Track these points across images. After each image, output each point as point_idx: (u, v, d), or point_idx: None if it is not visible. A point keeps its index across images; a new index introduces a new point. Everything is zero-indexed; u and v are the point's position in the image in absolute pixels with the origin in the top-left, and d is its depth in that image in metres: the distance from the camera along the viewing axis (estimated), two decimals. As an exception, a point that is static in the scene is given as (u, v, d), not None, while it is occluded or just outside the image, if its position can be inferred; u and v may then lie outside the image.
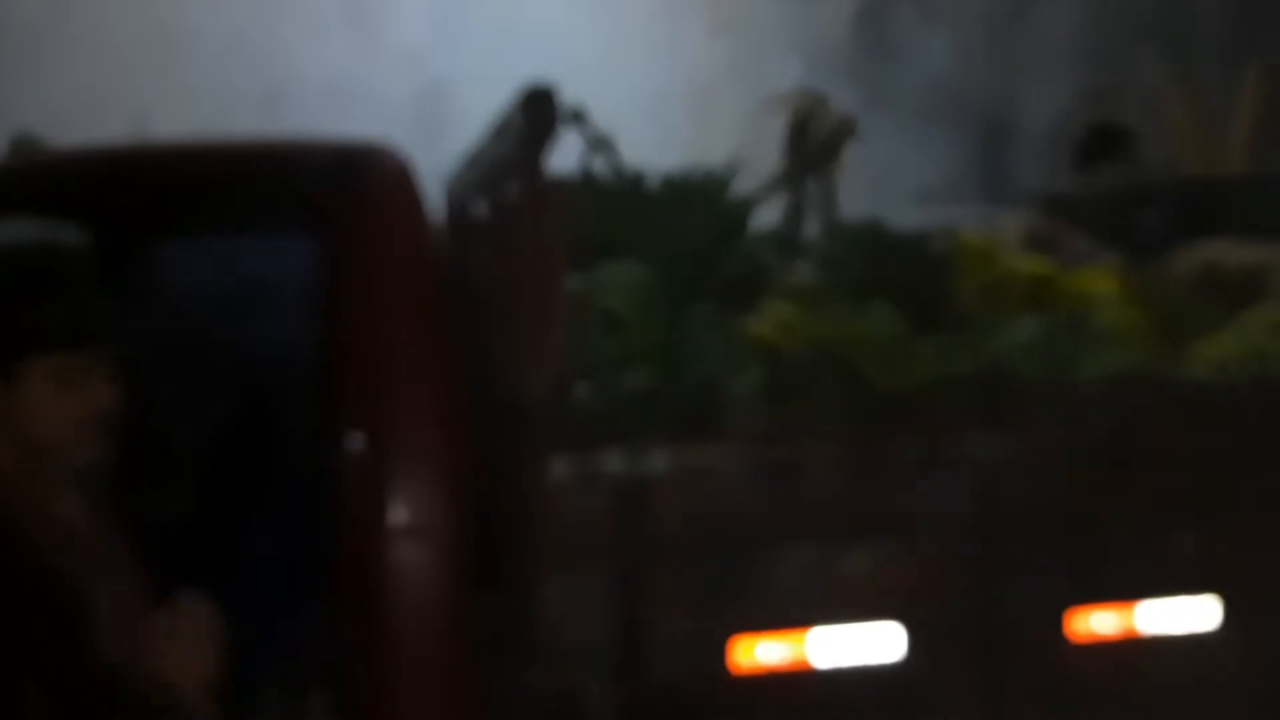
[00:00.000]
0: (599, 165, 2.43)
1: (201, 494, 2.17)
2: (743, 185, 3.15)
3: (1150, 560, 2.40)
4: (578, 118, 2.17)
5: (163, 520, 1.93)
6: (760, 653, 2.20)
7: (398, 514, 2.17)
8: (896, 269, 2.78)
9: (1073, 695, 2.32)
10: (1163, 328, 2.81)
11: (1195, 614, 2.42)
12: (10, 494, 1.62)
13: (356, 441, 2.18)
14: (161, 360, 1.85)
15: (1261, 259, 3.08)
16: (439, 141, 4.76)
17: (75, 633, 1.55)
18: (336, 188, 2.21)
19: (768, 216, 3.81)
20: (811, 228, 4.17)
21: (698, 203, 2.86)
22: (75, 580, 1.58)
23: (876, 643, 2.25)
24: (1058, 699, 2.30)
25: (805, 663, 2.20)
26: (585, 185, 2.49)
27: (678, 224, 2.70)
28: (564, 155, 2.20)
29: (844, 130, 5.40)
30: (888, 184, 5.32)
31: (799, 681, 2.20)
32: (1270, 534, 2.44)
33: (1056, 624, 2.35)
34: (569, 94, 2.13)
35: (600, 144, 2.28)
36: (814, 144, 5.52)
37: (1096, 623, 2.38)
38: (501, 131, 2.36)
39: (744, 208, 3.01)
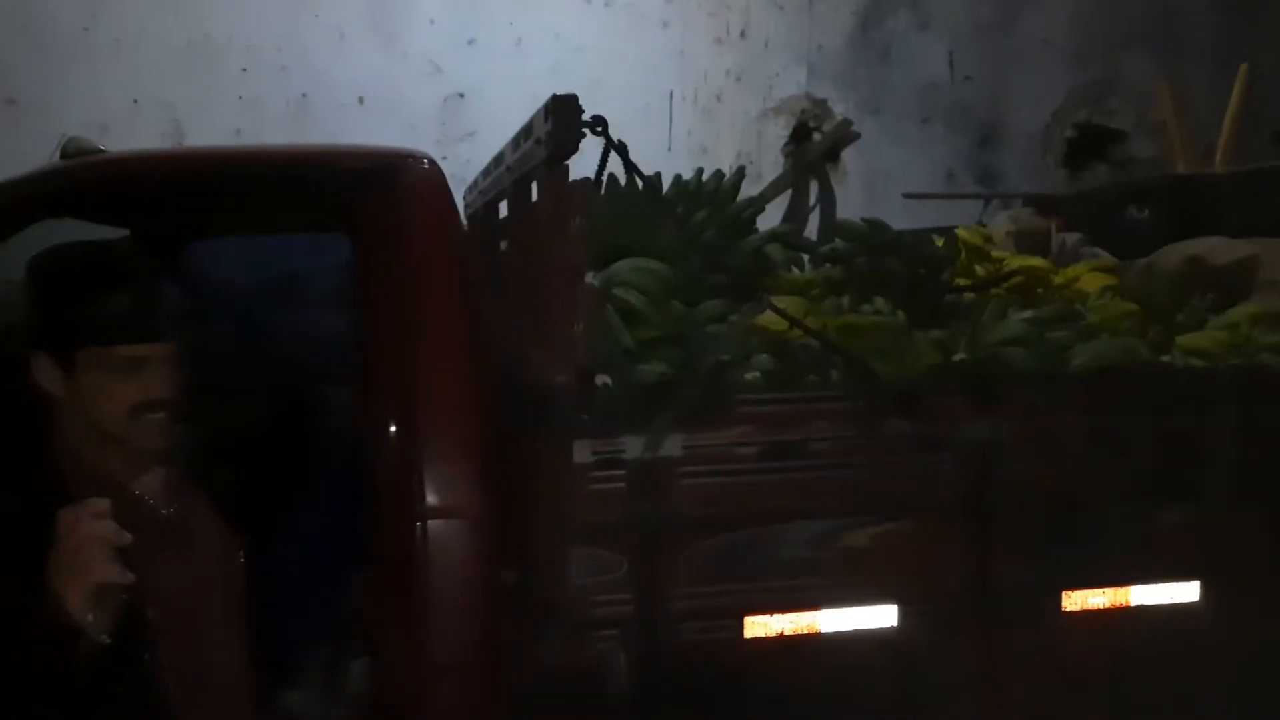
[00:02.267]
0: (616, 169, 2.50)
1: (251, 477, 2.23)
2: (749, 187, 3.25)
3: (1137, 542, 2.45)
4: (598, 124, 2.24)
5: (218, 501, 2.02)
6: (769, 624, 2.28)
7: (432, 495, 2.21)
8: (896, 265, 2.84)
9: (1065, 661, 2.39)
10: (1150, 321, 2.88)
11: (1177, 590, 2.49)
12: (89, 474, 1.70)
13: (393, 428, 2.23)
14: (214, 350, 1.94)
15: (1245, 254, 3.16)
16: (460, 147, 4.92)
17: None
18: (375, 191, 2.27)
19: (771, 217, 3.91)
20: (814, 226, 4.28)
21: (707, 203, 2.96)
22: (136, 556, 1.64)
23: (877, 614, 2.33)
24: (1050, 664, 2.38)
25: (814, 628, 2.30)
26: (604, 188, 2.55)
27: (689, 224, 2.79)
28: (581, 160, 2.25)
29: (844, 134, 5.52)
30: (886, 184, 5.42)
31: (806, 644, 2.29)
32: (1251, 514, 2.50)
33: (1051, 602, 2.42)
34: (583, 102, 2.18)
35: (617, 149, 2.35)
36: (815, 147, 5.64)
37: (1088, 600, 2.44)
38: (525, 137, 2.43)
39: (752, 208, 3.08)
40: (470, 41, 5.40)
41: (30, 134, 4.50)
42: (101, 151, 2.41)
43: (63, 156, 2.45)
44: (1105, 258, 3.42)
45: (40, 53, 4.97)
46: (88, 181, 2.30)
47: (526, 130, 2.42)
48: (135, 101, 5.02)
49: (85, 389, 1.70)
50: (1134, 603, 2.46)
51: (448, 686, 2.23)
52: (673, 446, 2.23)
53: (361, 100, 5.24)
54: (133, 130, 4.78)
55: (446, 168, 2.41)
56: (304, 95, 5.20)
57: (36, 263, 1.78)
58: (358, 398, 2.32)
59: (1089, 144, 5.74)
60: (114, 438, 1.73)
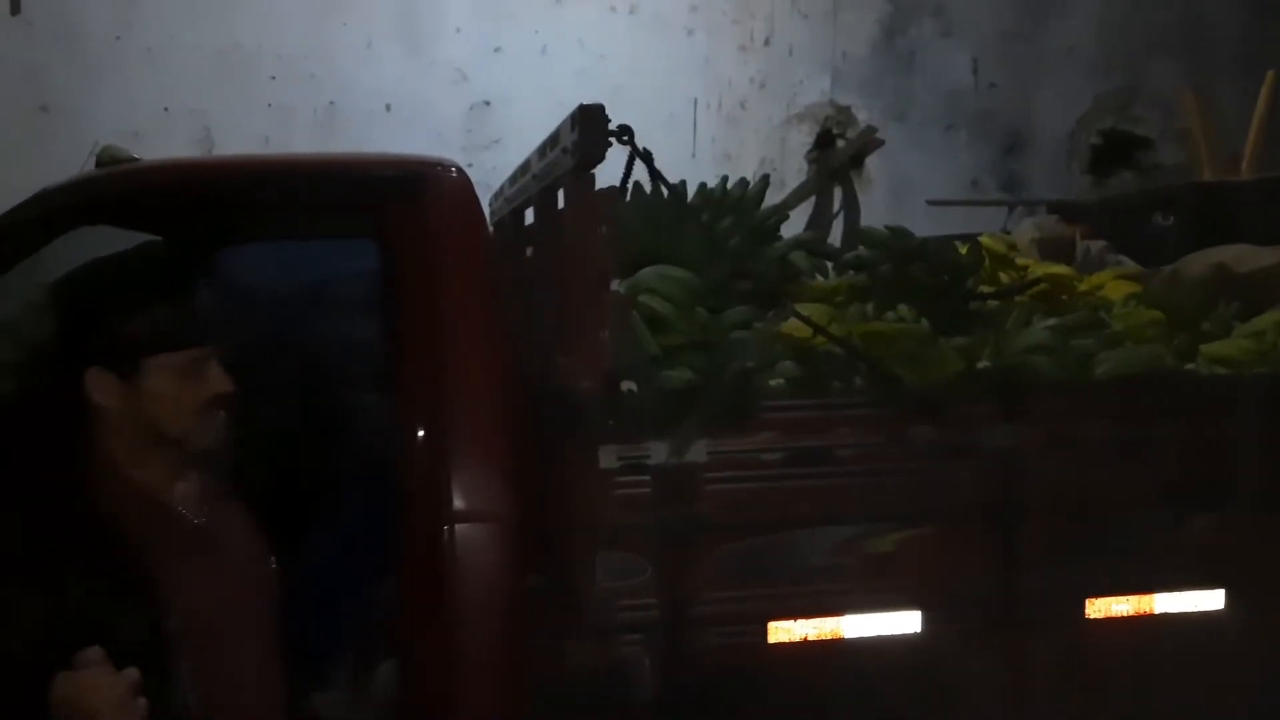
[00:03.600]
0: (642, 175, 2.52)
1: (283, 482, 2.26)
2: (773, 194, 3.25)
3: (1162, 550, 2.44)
4: (625, 134, 2.25)
5: (251, 507, 2.05)
6: (793, 629, 2.29)
7: (459, 500, 2.22)
8: (920, 272, 2.86)
9: (1088, 668, 2.38)
10: (1176, 329, 2.87)
11: (1202, 598, 2.47)
12: (122, 483, 1.75)
13: (421, 434, 2.24)
14: (245, 356, 1.97)
15: (1271, 262, 3.12)
16: (485, 154, 4.96)
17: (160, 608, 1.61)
18: (403, 198, 2.29)
19: (795, 224, 3.91)
20: (838, 233, 4.28)
21: (732, 211, 2.96)
22: (167, 560, 1.68)
23: (901, 620, 2.34)
24: (1074, 671, 2.38)
25: (837, 633, 2.30)
26: (629, 195, 2.57)
27: (714, 231, 2.80)
28: (606, 168, 2.27)
29: (868, 141, 5.52)
30: (910, 191, 5.42)
31: (830, 649, 2.29)
32: (1277, 521, 2.47)
33: (1075, 609, 2.41)
34: (607, 109, 2.20)
35: (643, 157, 2.37)
36: (839, 154, 5.64)
37: (1111, 608, 2.43)
38: (552, 146, 2.44)
39: (777, 216, 3.09)
40: (496, 49, 5.45)
41: (64, 141, 4.57)
42: (135, 159, 2.44)
43: (98, 164, 2.48)
44: (1130, 265, 3.41)
45: (73, 61, 5.05)
46: (122, 189, 2.33)
47: (553, 139, 2.44)
48: (166, 109, 5.09)
49: (149, 396, 1.74)
50: (1158, 610, 2.45)
51: (474, 689, 2.24)
52: (698, 452, 2.24)
53: (389, 108, 5.30)
54: (164, 138, 4.85)
55: (472, 175, 2.43)
56: (332, 103, 5.26)
57: (83, 279, 1.82)
58: (386, 403, 2.34)
59: (1115, 151, 5.72)
60: (170, 441, 1.78)
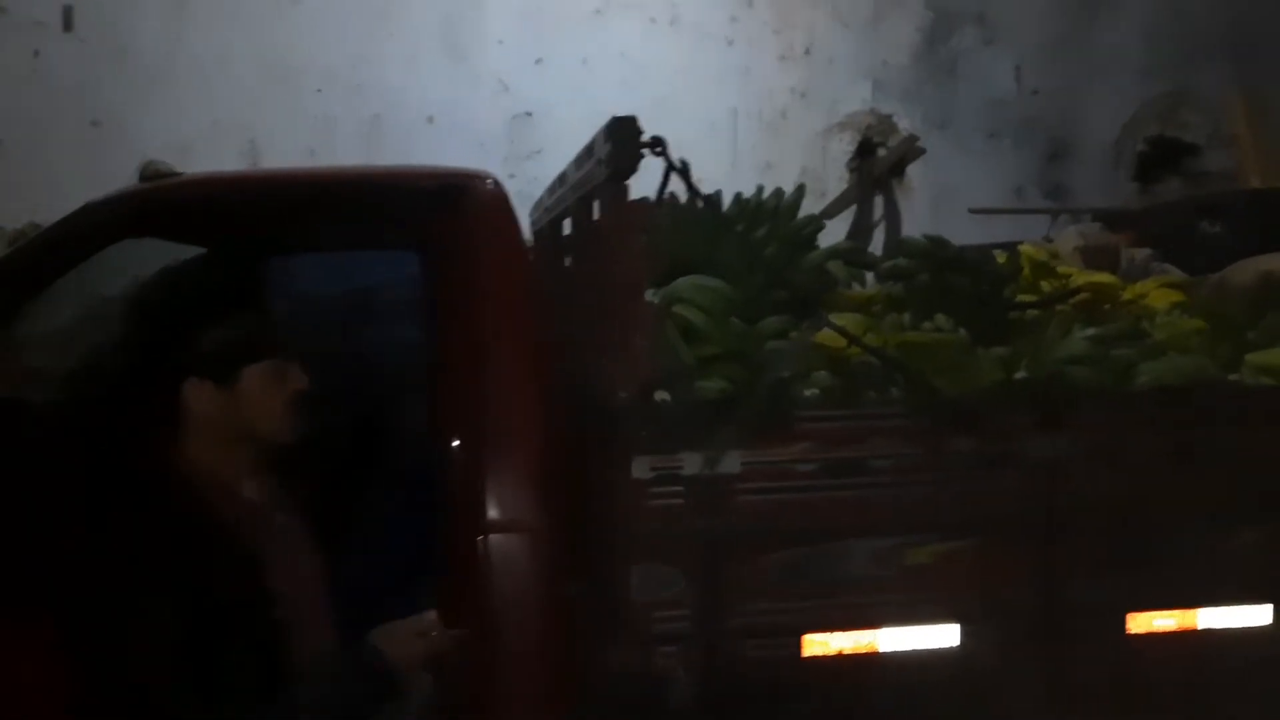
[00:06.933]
0: (677, 187, 2.52)
1: (323, 486, 2.29)
2: (814, 203, 3.24)
3: (1205, 564, 2.40)
4: (657, 145, 2.26)
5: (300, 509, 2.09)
6: (829, 642, 2.28)
7: (494, 510, 2.26)
8: (960, 282, 2.82)
9: (1129, 685, 2.35)
10: (1221, 338, 2.81)
11: (1248, 614, 2.44)
12: (205, 479, 1.89)
13: (458, 442, 2.28)
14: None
15: None
16: (527, 165, 5.00)
17: (257, 594, 1.79)
18: (441, 209, 2.33)
19: (836, 233, 3.90)
20: (880, 243, 4.27)
21: (768, 220, 2.95)
22: (253, 548, 1.84)
23: (938, 633, 2.31)
24: (1114, 687, 2.34)
25: (873, 647, 2.29)
26: (665, 206, 2.55)
27: (750, 241, 2.79)
28: (645, 178, 2.28)
29: (909, 150, 5.50)
30: (953, 200, 5.38)
31: (865, 663, 2.28)
32: None
33: (1117, 625, 2.38)
34: (648, 119, 2.22)
35: (678, 168, 2.38)
36: (880, 163, 5.62)
37: (1153, 623, 2.40)
38: (587, 157, 2.46)
39: (813, 225, 3.06)
40: (538, 61, 5.49)
41: (115, 155, 4.67)
42: (177, 174, 2.49)
43: (141, 179, 2.54)
44: (1176, 273, 3.37)
45: (124, 77, 5.16)
46: (164, 203, 2.39)
47: (588, 150, 2.45)
48: (215, 123, 5.18)
49: (245, 397, 1.91)
50: (1202, 626, 2.42)
51: (510, 698, 2.27)
52: (732, 463, 2.24)
53: (431, 120, 5.35)
54: (212, 151, 4.93)
55: (514, 185, 2.46)
56: (376, 115, 5.33)
57: (164, 295, 1.94)
58: (426, 412, 2.36)
59: (1161, 157, 5.65)
60: (254, 440, 1.93)
